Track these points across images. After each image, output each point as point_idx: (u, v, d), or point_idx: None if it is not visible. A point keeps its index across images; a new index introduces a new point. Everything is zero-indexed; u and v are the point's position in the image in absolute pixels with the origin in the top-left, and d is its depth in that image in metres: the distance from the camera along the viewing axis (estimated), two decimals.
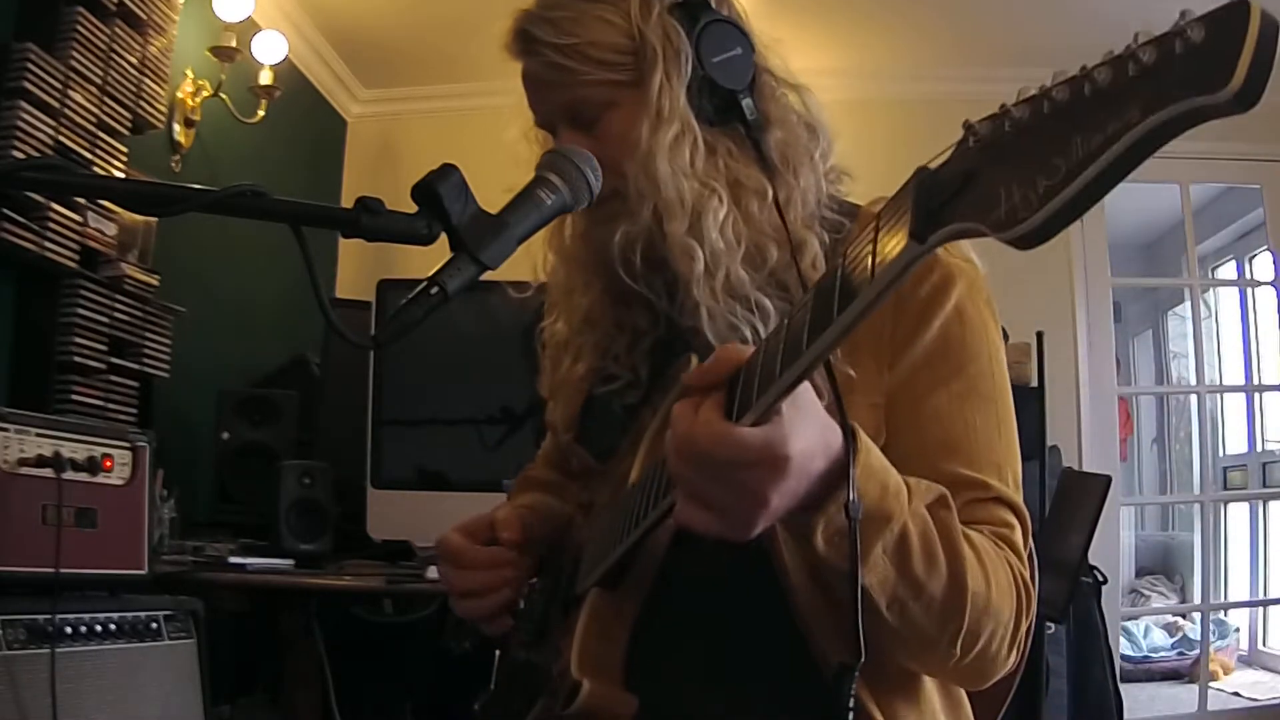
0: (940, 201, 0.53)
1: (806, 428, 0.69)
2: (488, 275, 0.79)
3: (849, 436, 0.72)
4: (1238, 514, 4.57)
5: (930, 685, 0.92)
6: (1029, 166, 0.48)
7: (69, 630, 1.65)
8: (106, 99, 2.42)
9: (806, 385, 0.69)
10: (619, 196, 0.96)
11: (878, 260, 0.57)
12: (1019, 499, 0.91)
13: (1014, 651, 0.87)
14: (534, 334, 1.19)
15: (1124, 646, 4.34)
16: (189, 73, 2.94)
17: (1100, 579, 2.72)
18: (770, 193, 0.95)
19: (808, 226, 0.96)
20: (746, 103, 0.96)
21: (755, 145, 0.96)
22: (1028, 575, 0.88)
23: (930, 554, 0.78)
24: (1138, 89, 0.45)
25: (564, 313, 1.09)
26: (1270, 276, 4.08)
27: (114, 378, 2.45)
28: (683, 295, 0.96)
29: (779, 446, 0.67)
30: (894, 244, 0.56)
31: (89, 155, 2.35)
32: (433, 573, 2.16)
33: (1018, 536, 0.89)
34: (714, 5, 0.98)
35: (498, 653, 1.14)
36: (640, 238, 0.97)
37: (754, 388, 0.67)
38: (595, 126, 0.98)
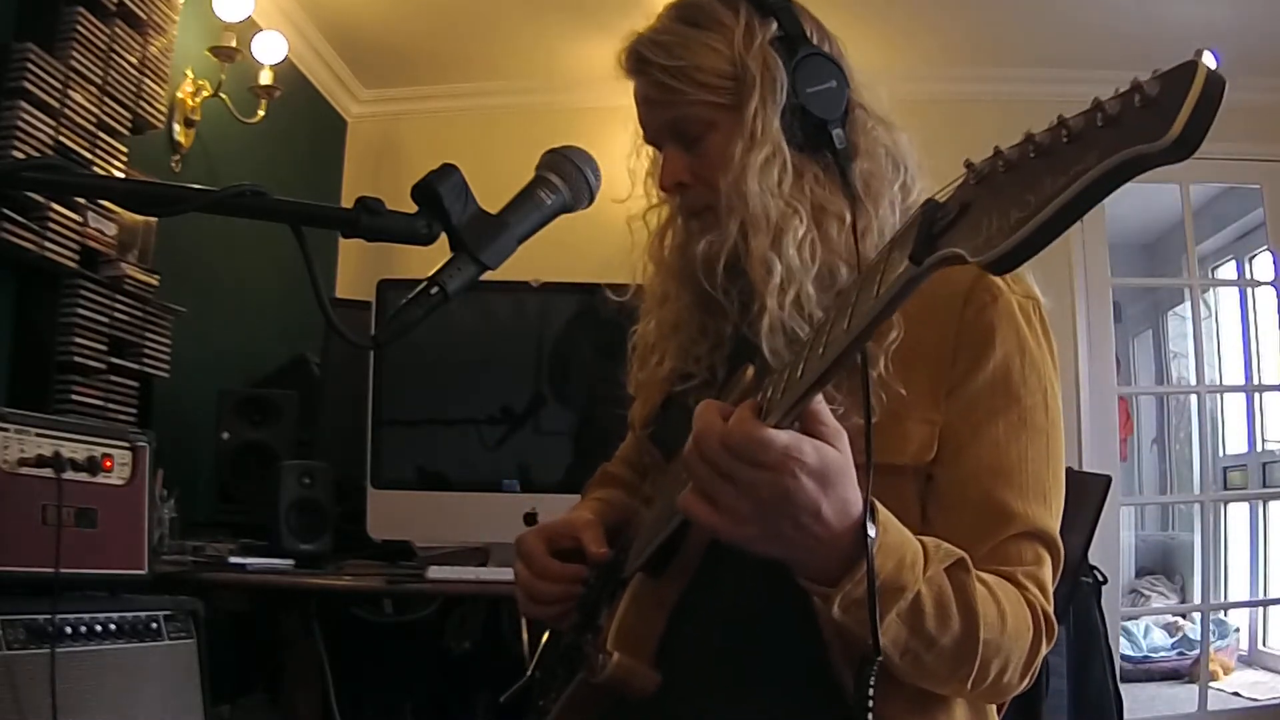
0: (938, 229, 0.60)
1: (830, 468, 0.76)
2: (488, 275, 0.79)
3: (868, 513, 0.78)
4: (1238, 514, 4.57)
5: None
6: (1007, 201, 0.55)
7: (69, 630, 1.65)
8: (106, 99, 2.42)
9: (846, 450, 0.77)
10: (712, 211, 1.05)
11: (884, 278, 0.65)
12: (1056, 529, 0.98)
13: (1027, 678, 0.93)
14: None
15: (1124, 646, 4.35)
16: (189, 73, 2.94)
17: (1100, 579, 2.72)
18: (849, 219, 1.01)
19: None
20: (837, 133, 1.03)
21: (841, 173, 1.02)
22: (1050, 608, 0.94)
23: (943, 613, 0.84)
24: (1099, 137, 0.51)
25: (655, 317, 1.16)
26: (1270, 276, 4.08)
27: (114, 378, 2.45)
28: (755, 305, 1.02)
29: (796, 453, 0.74)
30: (898, 265, 0.63)
31: (89, 155, 2.35)
32: (433, 572, 2.17)
33: (1046, 572, 0.96)
34: (814, 41, 1.06)
35: (546, 635, 1.20)
36: (725, 249, 1.03)
37: (778, 392, 0.74)
38: (697, 145, 1.06)
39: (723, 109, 1.04)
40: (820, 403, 0.76)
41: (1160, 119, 0.48)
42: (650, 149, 1.14)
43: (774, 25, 1.04)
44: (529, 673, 1.17)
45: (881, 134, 1.06)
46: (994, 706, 1.01)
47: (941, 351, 0.98)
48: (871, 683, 0.76)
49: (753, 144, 1.01)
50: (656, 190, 1.14)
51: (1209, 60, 0.49)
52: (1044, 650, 0.93)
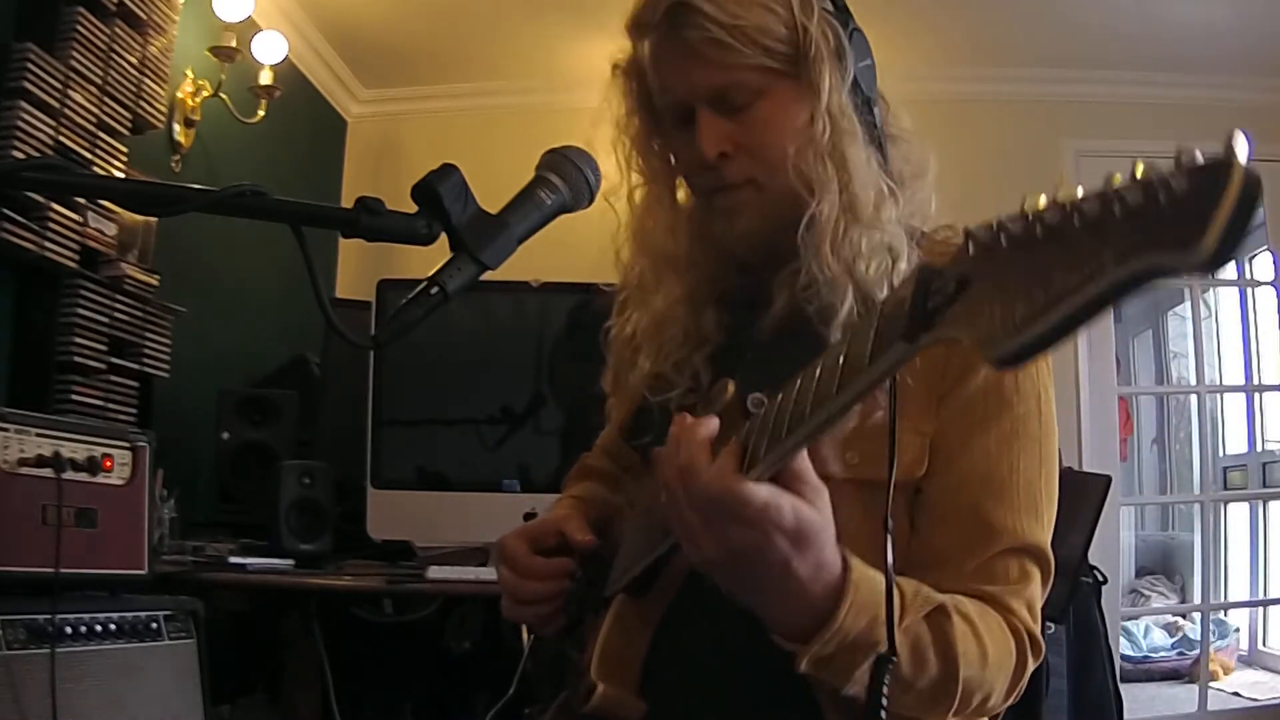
0: (935, 304, 0.56)
1: (806, 529, 0.73)
2: (488, 275, 0.79)
3: (845, 569, 0.77)
4: (1238, 514, 4.57)
5: None
6: (1012, 290, 0.50)
7: (69, 630, 1.65)
8: (106, 99, 2.42)
9: (826, 509, 0.74)
10: (754, 185, 0.98)
11: (874, 349, 0.61)
12: (1047, 541, 0.95)
13: (1012, 696, 0.92)
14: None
15: (1124, 646, 4.34)
16: (189, 73, 2.94)
17: (1100, 579, 2.72)
18: (902, 204, 0.97)
19: (909, 241, 0.97)
20: (878, 111, 0.99)
21: (881, 151, 0.98)
22: (1036, 627, 0.92)
23: (920, 659, 0.82)
24: (1116, 232, 0.46)
25: (636, 311, 1.08)
26: (1270, 276, 4.08)
27: (114, 378, 2.45)
28: (821, 294, 0.94)
29: (774, 513, 0.71)
30: (889, 336, 0.60)
31: (89, 155, 2.35)
32: (433, 572, 2.17)
33: (1033, 588, 0.93)
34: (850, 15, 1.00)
35: (531, 636, 1.16)
36: (773, 227, 0.97)
37: (762, 445, 0.71)
38: (743, 112, 0.97)
39: (777, 75, 0.96)
40: (803, 459, 0.73)
41: (1189, 226, 0.42)
42: (634, 124, 1.05)
43: None
44: (512, 689, 1.15)
45: (901, 120, 1.03)
46: None
47: (933, 359, 0.93)
48: (886, 684, 0.74)
49: (832, 116, 0.94)
50: (639, 168, 1.06)
51: (1242, 149, 0.43)
52: (1030, 668, 0.91)
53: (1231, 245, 0.42)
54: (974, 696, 0.87)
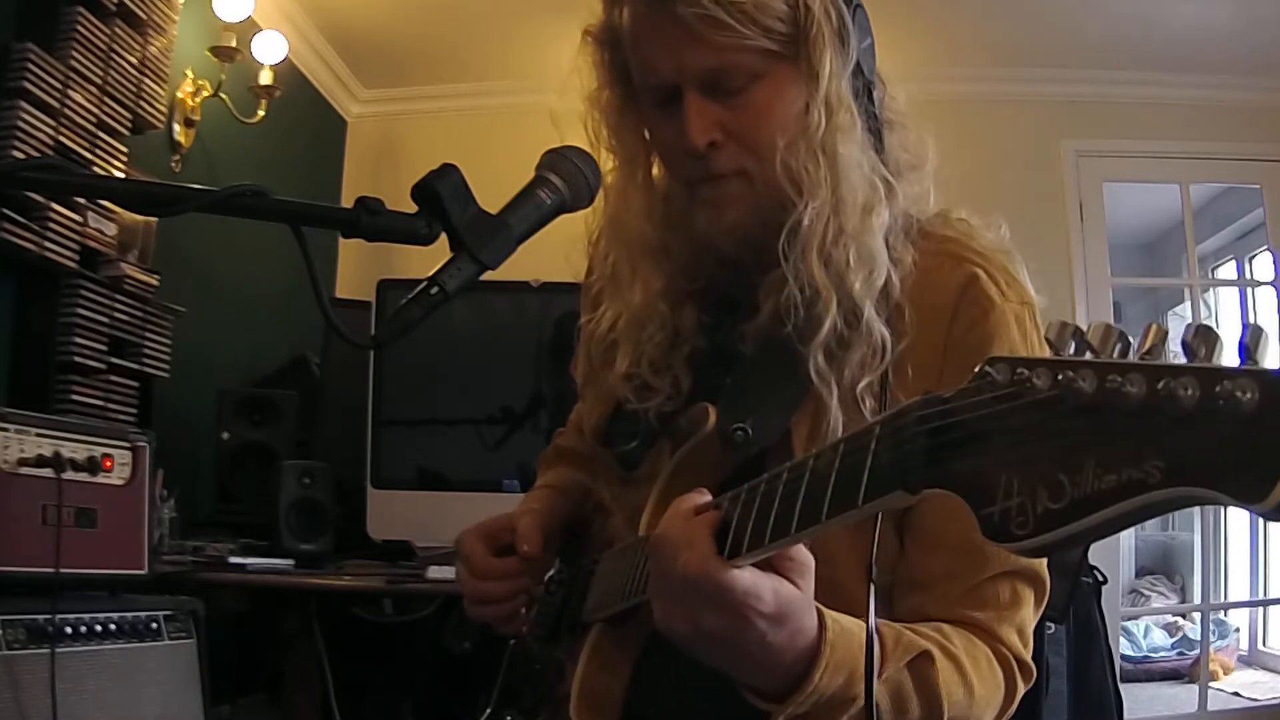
0: (942, 455, 0.50)
1: (786, 609, 0.71)
2: (488, 275, 0.79)
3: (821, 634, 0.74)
4: (1238, 514, 4.56)
5: None
6: (1034, 470, 0.44)
7: (69, 630, 1.65)
8: (106, 99, 2.42)
9: (809, 585, 0.71)
10: (744, 176, 0.91)
11: (870, 486, 0.57)
12: (1041, 562, 0.89)
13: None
14: (566, 327, 1.15)
15: (1124, 646, 4.34)
16: (189, 73, 2.93)
17: (1100, 579, 2.72)
18: (900, 196, 0.91)
19: (901, 241, 0.92)
20: (878, 95, 0.92)
21: (878, 138, 0.92)
22: (1026, 653, 0.88)
23: (901, 707, 0.80)
24: (1167, 436, 0.38)
25: (610, 306, 1.02)
26: (1270, 276, 4.07)
27: (114, 378, 2.45)
28: (800, 304, 0.88)
29: (754, 600, 0.69)
30: (887, 478, 0.56)
31: (89, 155, 2.35)
32: (433, 572, 2.17)
33: (1025, 611, 0.89)
34: None
35: (510, 643, 1.14)
36: (761, 222, 0.91)
37: (745, 539, 0.68)
38: (736, 96, 0.89)
39: (775, 58, 0.88)
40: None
41: (1257, 464, 0.35)
42: (604, 98, 0.98)
43: None
44: (491, 704, 1.13)
45: (898, 102, 0.97)
46: None
47: (928, 370, 0.88)
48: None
49: (830, 106, 0.87)
50: (620, 147, 0.98)
51: None
52: (1020, 693, 0.88)
53: None
54: None
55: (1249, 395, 0.36)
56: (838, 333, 0.87)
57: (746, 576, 0.69)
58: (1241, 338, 0.39)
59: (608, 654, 0.91)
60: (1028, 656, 0.89)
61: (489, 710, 1.11)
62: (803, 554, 0.72)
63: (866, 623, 0.74)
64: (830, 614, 0.75)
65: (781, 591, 0.70)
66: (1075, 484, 0.42)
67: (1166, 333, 0.42)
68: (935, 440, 0.51)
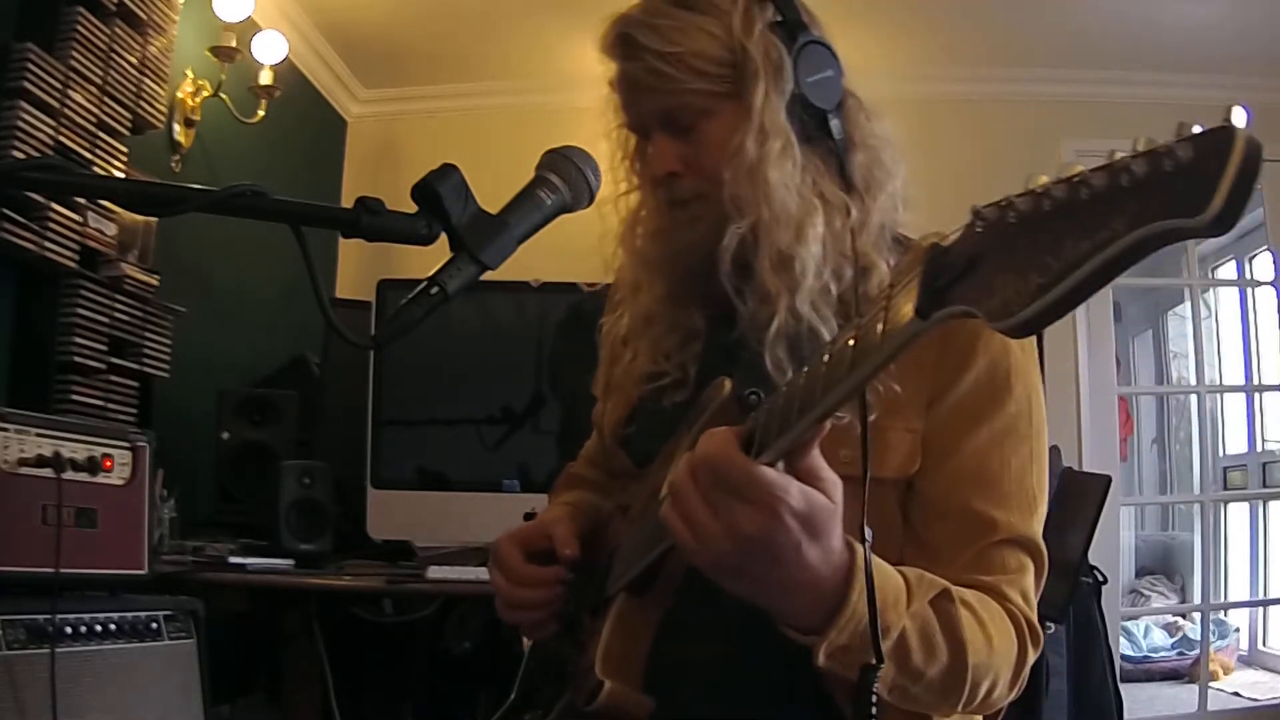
0: (946, 282, 0.57)
1: (818, 514, 0.73)
2: (488, 275, 0.79)
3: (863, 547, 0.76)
4: (1238, 514, 4.57)
5: None
6: (1025, 261, 0.51)
7: (69, 630, 1.65)
8: (106, 99, 2.42)
9: (839, 501, 0.74)
10: (704, 200, 1.01)
11: (888, 327, 0.62)
12: (1039, 534, 0.96)
13: (1016, 687, 0.93)
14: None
15: (1124, 646, 4.34)
16: (189, 73, 2.94)
17: (1100, 579, 2.72)
18: (852, 213, 0.98)
19: (876, 250, 0.99)
20: (835, 123, 1.00)
21: (841, 165, 0.99)
22: (1034, 616, 0.94)
23: (930, 645, 0.83)
24: (1126, 201, 0.47)
25: (627, 310, 1.12)
26: (1270, 276, 4.08)
27: (114, 378, 2.45)
28: (755, 305, 0.98)
29: (781, 493, 0.71)
30: (902, 314, 0.61)
31: (89, 155, 2.35)
32: (433, 572, 2.17)
33: (1029, 579, 0.95)
34: (809, 26, 1.02)
35: (528, 641, 1.17)
36: (731, 244, 0.98)
37: (772, 431, 0.71)
38: (690, 133, 1.01)
39: (720, 97, 0.99)
40: (816, 457, 0.73)
41: (1196, 191, 0.45)
42: (621, 134, 1.09)
43: (770, 10, 1.00)
44: (513, 694, 1.15)
45: (874, 125, 1.04)
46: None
47: (924, 358, 0.94)
48: (874, 689, 0.74)
49: (764, 135, 0.97)
50: (629, 175, 1.10)
51: (1241, 119, 0.46)
52: (1031, 658, 0.92)
53: (1238, 206, 0.44)
54: (981, 686, 0.88)
55: (1184, 152, 0.46)
56: (785, 332, 0.95)
57: (771, 471, 0.71)
58: (1177, 130, 0.47)
59: (631, 619, 0.95)
60: (1035, 620, 0.93)
61: (505, 709, 1.12)
62: (830, 471, 0.74)
63: (867, 572, 0.76)
64: (859, 545, 0.78)
65: (810, 494, 0.72)
66: (1058, 258, 0.49)
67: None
68: (939, 274, 0.57)
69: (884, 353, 0.62)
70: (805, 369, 0.70)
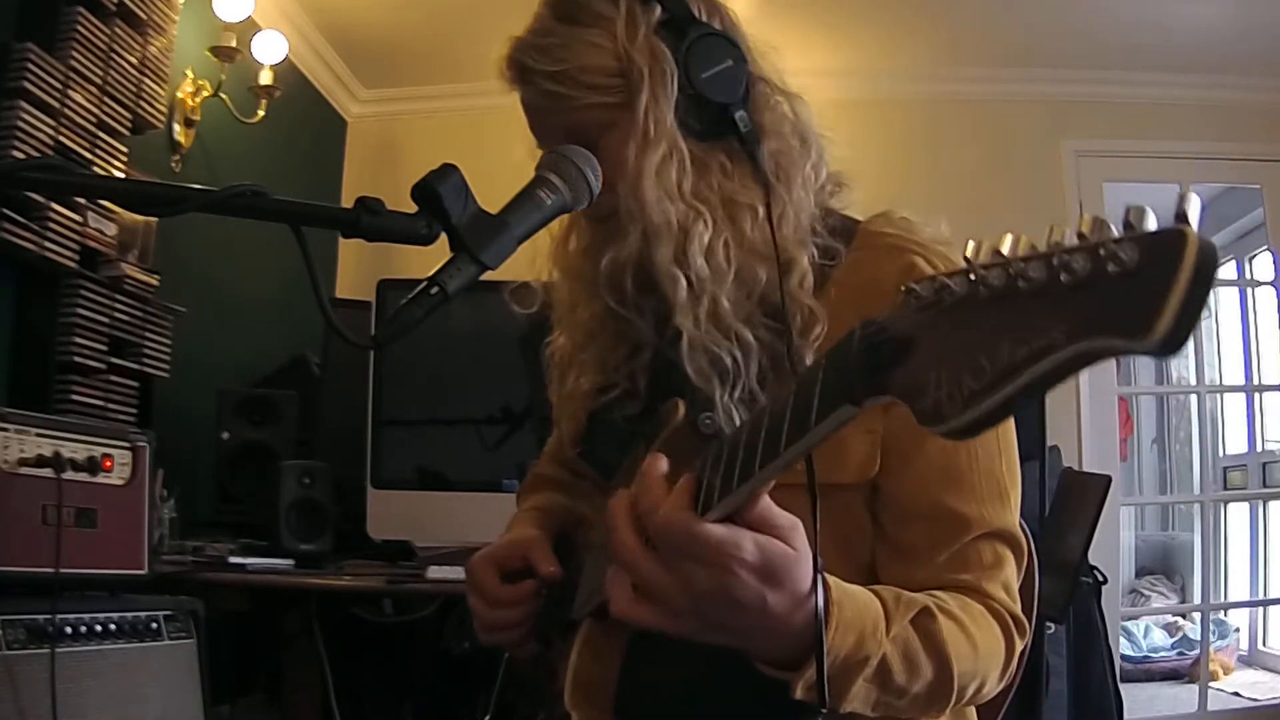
0: (879, 366, 0.55)
1: (774, 562, 0.71)
2: (488, 275, 0.79)
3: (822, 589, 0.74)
4: (1238, 514, 4.57)
5: None
6: (959, 356, 0.48)
7: (69, 630, 1.65)
8: (106, 99, 2.42)
9: (799, 543, 0.72)
10: (616, 217, 0.98)
11: (820, 408, 0.60)
12: (1015, 523, 0.95)
13: (1005, 679, 0.92)
14: (530, 340, 1.20)
15: (1124, 646, 4.34)
16: (189, 73, 2.94)
17: (1100, 579, 2.72)
18: (762, 209, 0.95)
19: (800, 243, 0.97)
20: (740, 115, 0.96)
21: (750, 158, 0.96)
22: (1017, 607, 0.92)
23: (912, 663, 0.82)
24: (1065, 304, 0.44)
25: (567, 328, 1.10)
26: (1270, 276, 4.07)
27: (114, 378, 2.45)
28: (666, 319, 0.96)
29: (733, 549, 0.69)
30: (834, 396, 0.59)
31: (89, 155, 2.35)
32: (433, 572, 2.17)
33: (1009, 570, 0.93)
34: (704, 18, 0.98)
35: (506, 657, 1.16)
36: (630, 261, 0.97)
37: (715, 492, 0.69)
38: (595, 149, 0.97)
39: (617, 108, 0.97)
40: (767, 504, 0.71)
41: (1141, 305, 0.40)
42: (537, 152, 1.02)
43: (657, 10, 0.97)
44: (489, 712, 1.14)
45: (785, 108, 1.00)
46: (973, 708, 1.00)
47: None
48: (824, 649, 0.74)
49: (646, 144, 0.94)
50: None
51: (1195, 211, 0.41)
52: (1019, 648, 0.91)
53: (1186, 328, 0.40)
54: (969, 689, 0.87)
55: (1129, 255, 0.42)
56: (699, 344, 0.94)
57: (720, 529, 0.69)
58: (1125, 217, 0.44)
59: (598, 645, 0.93)
60: (1019, 611, 0.92)
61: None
62: (786, 516, 0.72)
63: (815, 579, 0.74)
64: (831, 577, 0.76)
65: (766, 546, 0.70)
66: (993, 362, 0.46)
67: (1066, 231, 0.47)
68: (872, 355, 0.55)
69: (816, 435, 0.61)
70: (744, 431, 0.68)
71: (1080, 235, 0.45)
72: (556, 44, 0.98)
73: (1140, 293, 0.41)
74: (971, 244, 0.50)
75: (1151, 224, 0.43)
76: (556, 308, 1.11)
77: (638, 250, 0.97)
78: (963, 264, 0.50)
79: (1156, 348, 0.40)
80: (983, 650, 0.87)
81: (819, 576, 0.73)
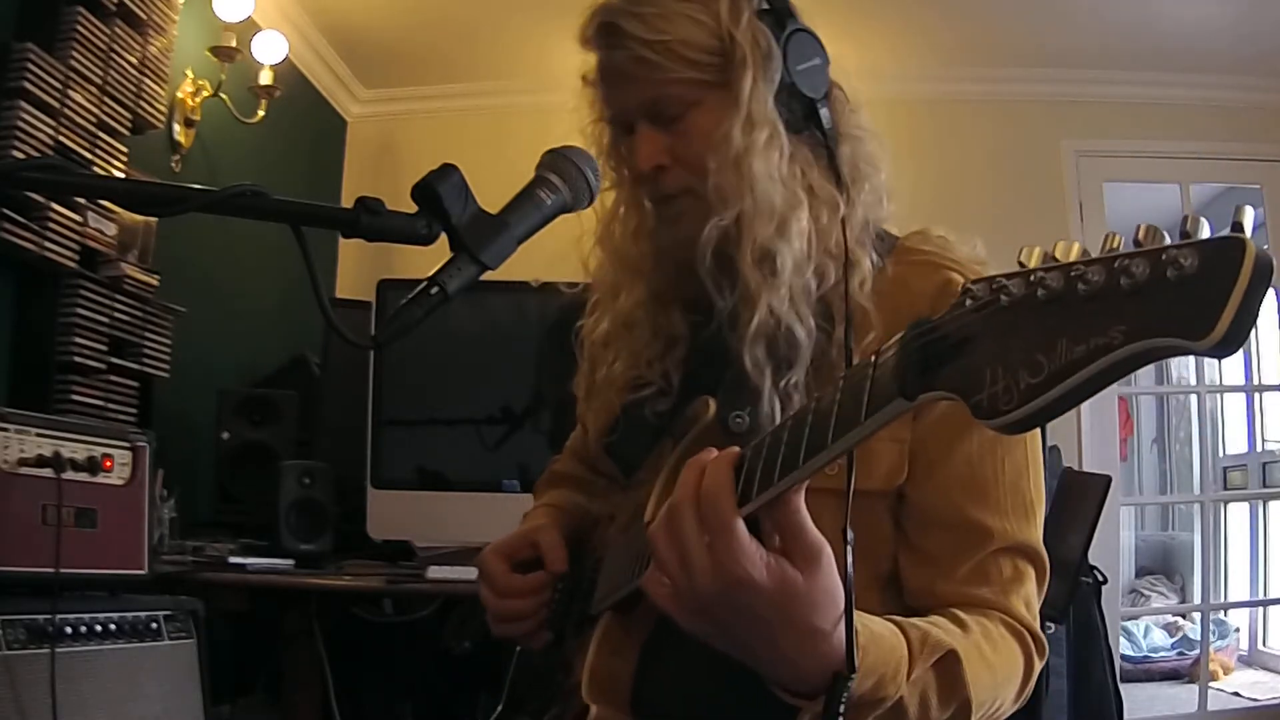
0: (933, 363, 0.55)
1: (785, 590, 0.69)
2: (488, 275, 0.79)
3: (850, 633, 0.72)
4: (1238, 514, 4.57)
5: None
6: (1016, 354, 0.49)
7: (69, 630, 1.65)
8: (106, 99, 2.42)
9: (826, 567, 0.69)
10: (691, 194, 0.98)
11: (870, 402, 0.60)
12: (1038, 539, 0.94)
13: (1021, 698, 0.91)
14: (561, 331, 1.19)
15: (1124, 646, 4.34)
16: (189, 73, 2.93)
17: (1100, 579, 2.72)
18: (841, 207, 0.96)
19: (862, 246, 0.97)
20: (824, 113, 0.98)
21: (830, 156, 0.97)
22: (1036, 624, 0.92)
23: (927, 705, 0.80)
24: (1124, 305, 0.45)
25: (607, 313, 1.09)
26: None
27: (114, 378, 2.45)
28: (739, 301, 0.95)
29: (749, 565, 0.68)
30: (886, 391, 0.59)
31: (89, 155, 2.35)
32: (433, 572, 2.17)
33: (1029, 586, 0.93)
34: (795, 14, 1.00)
35: (517, 650, 1.15)
36: (713, 237, 0.96)
37: (754, 484, 0.69)
38: (677, 123, 0.98)
39: (708, 86, 0.97)
40: (802, 515, 0.69)
41: (1200, 308, 0.42)
42: (595, 129, 1.06)
43: None
44: (500, 705, 1.13)
45: (858, 116, 1.02)
46: None
47: None
48: (844, 699, 0.71)
49: (751, 125, 0.94)
50: (606, 172, 1.05)
51: (1250, 221, 0.44)
52: (1037, 667, 0.91)
53: (1244, 328, 0.42)
54: (983, 712, 0.86)
55: (1190, 261, 0.43)
56: (763, 332, 0.93)
57: (752, 545, 0.68)
58: (1181, 226, 0.46)
59: (617, 639, 0.93)
60: (1038, 628, 0.92)
61: (496, 716, 1.11)
62: (815, 535, 0.69)
63: (845, 582, 0.72)
64: (862, 617, 0.74)
65: (784, 574, 0.68)
66: (1051, 360, 0.47)
67: (1122, 239, 0.49)
68: (926, 352, 0.56)
69: (866, 429, 0.61)
70: (789, 424, 0.68)
71: (1137, 242, 0.47)
72: (656, 13, 0.97)
73: (1201, 296, 0.42)
74: (1025, 252, 0.52)
75: (1205, 233, 0.45)
76: (597, 291, 1.11)
77: (723, 226, 0.95)
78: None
79: (1215, 348, 0.42)
80: (1001, 676, 0.87)
81: (849, 611, 0.70)
